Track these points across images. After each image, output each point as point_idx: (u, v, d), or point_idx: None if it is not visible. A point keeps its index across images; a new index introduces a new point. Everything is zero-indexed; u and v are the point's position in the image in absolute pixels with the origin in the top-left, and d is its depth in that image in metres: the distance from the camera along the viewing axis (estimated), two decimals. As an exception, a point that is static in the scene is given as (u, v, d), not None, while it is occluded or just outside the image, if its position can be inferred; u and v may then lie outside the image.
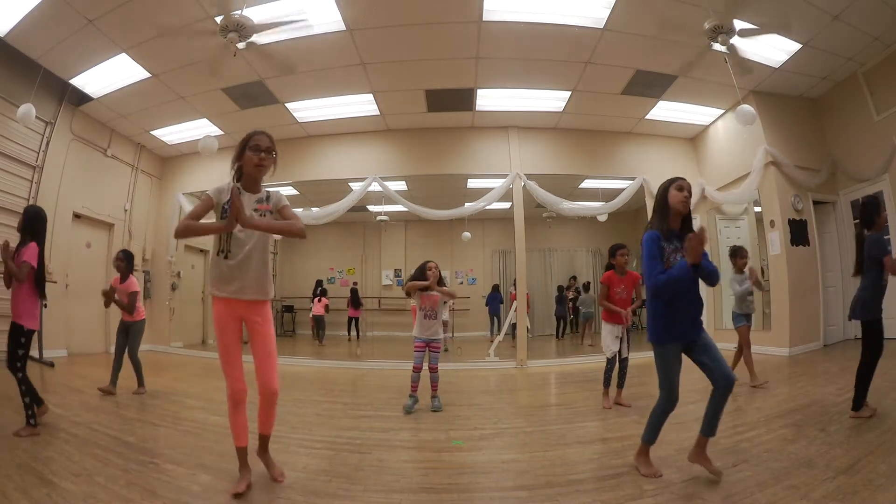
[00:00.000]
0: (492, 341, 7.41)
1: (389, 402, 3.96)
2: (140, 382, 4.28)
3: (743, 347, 4.32)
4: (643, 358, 6.74)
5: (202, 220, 2.11)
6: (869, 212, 3.05)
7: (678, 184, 2.22)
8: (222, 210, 2.08)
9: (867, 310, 2.96)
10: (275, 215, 2.13)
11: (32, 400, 2.86)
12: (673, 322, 2.17)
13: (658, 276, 2.09)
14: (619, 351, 3.77)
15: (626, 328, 3.80)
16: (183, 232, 2.05)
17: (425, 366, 3.77)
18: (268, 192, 2.19)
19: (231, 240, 2.06)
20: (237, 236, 2.06)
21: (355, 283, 11.16)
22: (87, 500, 1.90)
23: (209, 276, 2.19)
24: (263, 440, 2.24)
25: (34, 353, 5.80)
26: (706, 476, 2.10)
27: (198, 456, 2.49)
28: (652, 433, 2.24)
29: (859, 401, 2.93)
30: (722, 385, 2.11)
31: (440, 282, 3.81)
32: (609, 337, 3.79)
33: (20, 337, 2.93)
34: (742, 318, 4.37)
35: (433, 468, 2.40)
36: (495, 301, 10.13)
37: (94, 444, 2.65)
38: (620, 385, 3.78)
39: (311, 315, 9.90)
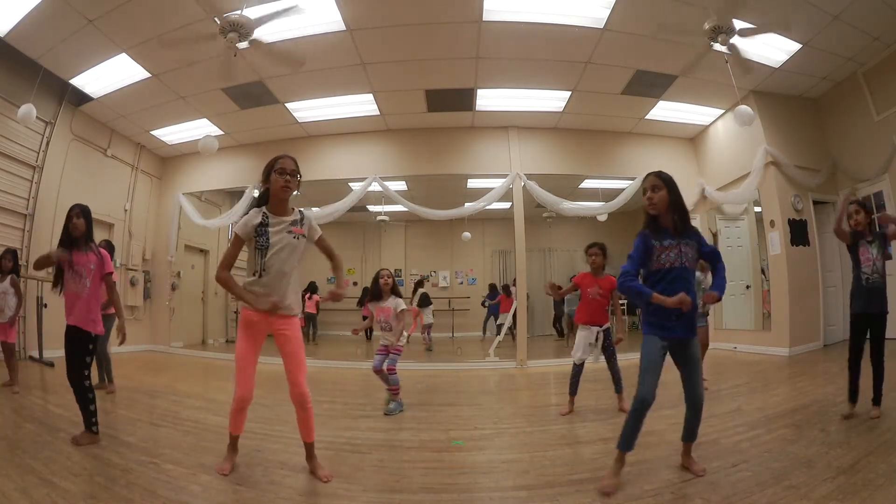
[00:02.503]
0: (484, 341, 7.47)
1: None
2: (109, 379, 4.27)
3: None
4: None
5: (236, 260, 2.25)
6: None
7: (643, 186, 2.21)
8: (255, 233, 2.19)
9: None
10: (308, 241, 2.29)
11: (95, 405, 2.74)
12: (657, 315, 2.12)
13: (627, 281, 2.14)
14: (604, 356, 3.64)
15: (604, 331, 3.60)
16: (223, 284, 2.23)
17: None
18: (301, 212, 2.30)
19: (265, 262, 2.18)
20: (271, 259, 2.19)
21: (421, 280, 9.91)
22: (87, 500, 1.90)
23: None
24: (309, 448, 2.29)
25: (34, 353, 5.83)
26: (707, 476, 2.10)
27: (198, 456, 2.49)
28: (625, 438, 2.08)
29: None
30: (689, 405, 2.16)
31: (394, 289, 3.73)
32: (583, 342, 3.57)
33: (89, 344, 2.80)
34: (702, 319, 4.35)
35: (433, 468, 2.40)
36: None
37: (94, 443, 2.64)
38: (618, 390, 3.64)
39: (303, 313, 9.91)
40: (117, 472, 2.21)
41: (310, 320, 9.75)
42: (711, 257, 2.26)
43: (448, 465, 2.46)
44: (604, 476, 2.09)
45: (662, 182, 2.15)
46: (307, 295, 9.86)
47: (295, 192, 2.27)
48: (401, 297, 3.78)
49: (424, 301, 8.52)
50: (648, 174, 2.20)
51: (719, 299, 2.16)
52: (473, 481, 2.22)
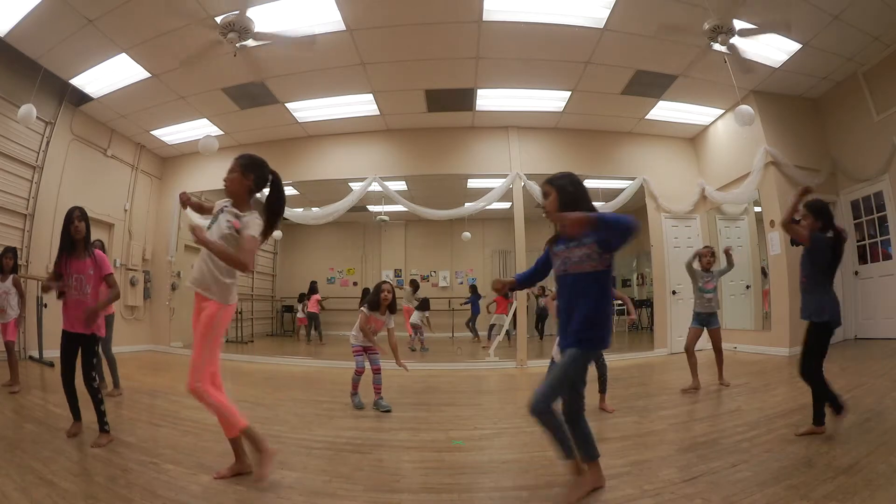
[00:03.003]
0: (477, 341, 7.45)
1: (390, 402, 3.96)
2: (116, 383, 4.23)
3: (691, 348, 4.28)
4: (644, 358, 6.76)
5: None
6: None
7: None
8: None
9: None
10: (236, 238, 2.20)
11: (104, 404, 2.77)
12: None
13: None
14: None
15: None
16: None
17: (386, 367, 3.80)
18: (246, 215, 2.23)
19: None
20: None
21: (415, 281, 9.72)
22: (87, 500, 1.90)
23: (233, 288, 2.28)
24: (231, 444, 2.27)
25: (34, 353, 5.83)
26: (707, 476, 2.11)
27: (198, 456, 2.49)
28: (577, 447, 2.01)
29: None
30: (574, 425, 2.01)
31: (391, 306, 3.77)
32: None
33: (95, 346, 2.84)
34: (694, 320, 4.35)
35: (433, 468, 2.40)
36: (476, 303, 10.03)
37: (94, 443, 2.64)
38: (602, 390, 3.63)
39: (304, 314, 9.92)
40: (117, 472, 2.21)
41: (312, 319, 9.77)
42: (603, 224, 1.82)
43: (448, 465, 2.46)
44: (568, 497, 1.97)
45: (552, 187, 2.05)
46: (307, 295, 9.89)
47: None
48: (395, 312, 3.83)
49: (424, 305, 8.49)
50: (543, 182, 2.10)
51: (581, 221, 1.76)
52: (473, 481, 2.22)
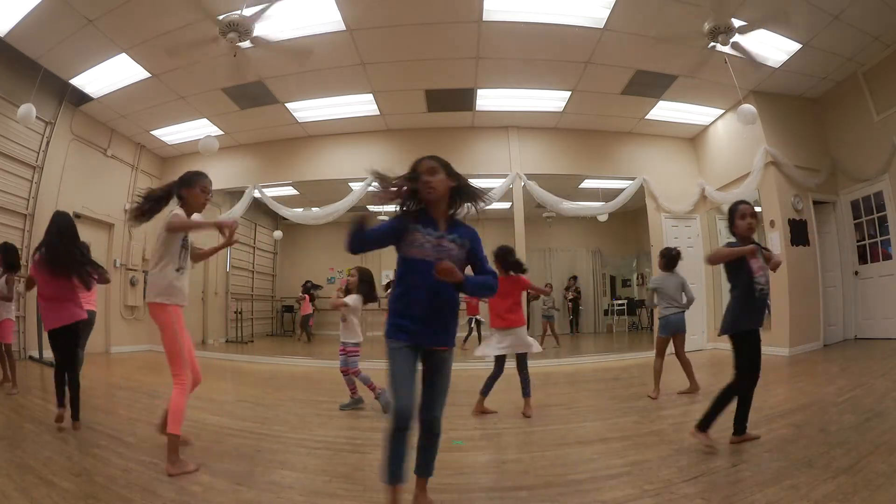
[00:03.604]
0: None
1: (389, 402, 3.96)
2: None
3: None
4: (644, 358, 6.76)
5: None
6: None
7: (416, 170, 1.81)
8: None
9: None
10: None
11: None
12: (399, 312, 1.80)
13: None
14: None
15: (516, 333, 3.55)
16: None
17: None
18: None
19: (186, 257, 2.60)
20: (185, 256, 2.60)
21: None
22: (87, 500, 1.90)
23: (158, 289, 2.48)
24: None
25: (34, 353, 5.82)
26: (707, 476, 2.10)
27: (198, 456, 2.49)
28: (392, 465, 1.73)
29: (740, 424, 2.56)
30: (422, 424, 1.81)
31: (358, 288, 3.91)
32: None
33: (79, 333, 3.11)
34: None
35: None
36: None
37: (95, 444, 2.65)
38: (526, 393, 3.56)
39: (301, 315, 10.01)
40: (117, 472, 2.21)
41: (305, 320, 9.85)
42: (477, 267, 1.89)
43: (448, 465, 2.46)
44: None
45: (441, 165, 1.82)
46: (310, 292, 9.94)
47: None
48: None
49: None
50: (422, 158, 1.82)
51: (460, 283, 1.72)
52: (473, 481, 2.22)
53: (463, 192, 1.86)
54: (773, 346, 5.99)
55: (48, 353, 5.84)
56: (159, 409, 3.64)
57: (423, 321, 1.76)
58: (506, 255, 3.61)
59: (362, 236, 1.76)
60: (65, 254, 2.98)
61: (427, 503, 1.84)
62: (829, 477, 2.01)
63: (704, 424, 2.51)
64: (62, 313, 2.96)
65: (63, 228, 3.05)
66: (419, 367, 1.80)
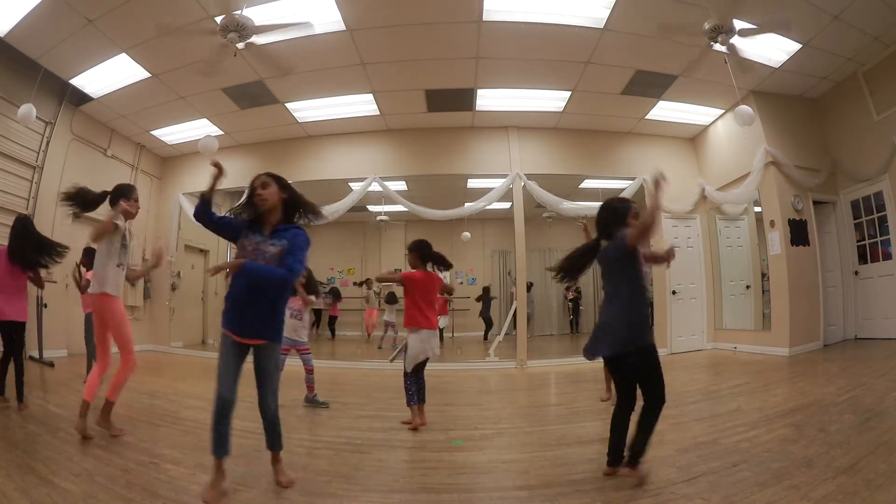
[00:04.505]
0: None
1: (389, 401, 3.96)
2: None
3: None
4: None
5: None
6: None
7: (252, 185, 2.23)
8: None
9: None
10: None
11: None
12: (228, 307, 2.09)
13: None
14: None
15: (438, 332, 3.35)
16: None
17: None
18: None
19: (126, 255, 2.97)
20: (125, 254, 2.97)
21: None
22: (87, 500, 1.90)
23: (110, 282, 2.88)
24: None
25: (34, 352, 5.82)
26: (707, 476, 2.10)
27: (198, 456, 2.49)
28: (216, 442, 1.97)
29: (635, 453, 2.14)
30: (263, 418, 2.17)
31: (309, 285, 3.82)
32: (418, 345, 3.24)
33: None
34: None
35: (433, 468, 2.40)
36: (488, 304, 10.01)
37: (94, 444, 2.65)
38: (422, 399, 3.25)
39: (329, 315, 10.11)
40: (117, 472, 2.21)
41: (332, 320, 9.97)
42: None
43: (448, 465, 2.46)
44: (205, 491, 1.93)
45: (273, 180, 2.18)
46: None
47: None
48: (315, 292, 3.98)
49: (392, 299, 8.21)
50: (259, 174, 2.21)
51: (230, 269, 2.04)
52: (473, 481, 2.23)
53: (296, 203, 2.20)
54: (773, 346, 6.00)
55: (48, 353, 5.86)
56: (159, 409, 3.67)
57: (241, 316, 2.06)
58: (420, 249, 3.31)
59: (207, 209, 2.22)
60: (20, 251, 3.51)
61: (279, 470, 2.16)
62: (829, 477, 2.01)
63: (633, 459, 2.11)
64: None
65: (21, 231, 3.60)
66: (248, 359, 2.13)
